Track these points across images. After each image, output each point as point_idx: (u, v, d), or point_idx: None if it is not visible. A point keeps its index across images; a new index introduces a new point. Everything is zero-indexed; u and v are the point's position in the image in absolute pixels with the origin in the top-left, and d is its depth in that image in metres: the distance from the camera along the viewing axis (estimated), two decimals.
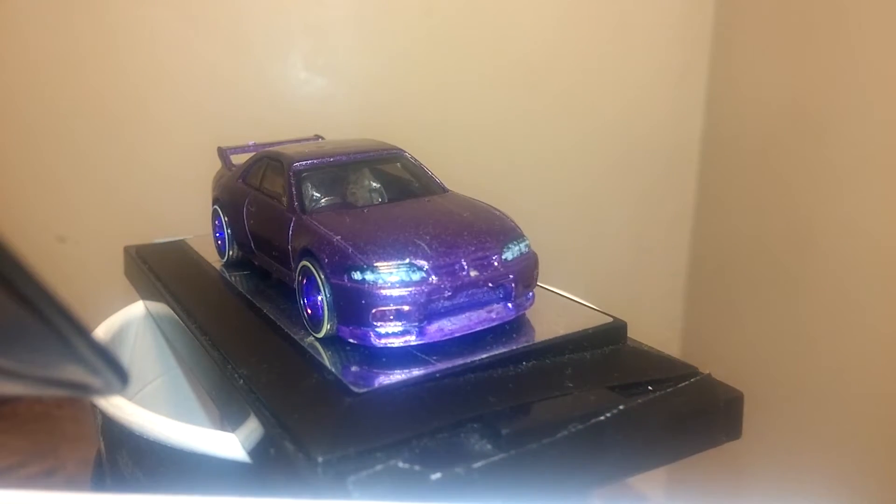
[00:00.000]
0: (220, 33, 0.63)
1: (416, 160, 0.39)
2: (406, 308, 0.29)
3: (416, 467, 0.24)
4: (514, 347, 0.30)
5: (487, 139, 0.70)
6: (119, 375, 0.17)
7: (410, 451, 0.25)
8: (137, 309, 0.45)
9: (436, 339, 0.30)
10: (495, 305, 0.31)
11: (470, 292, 0.30)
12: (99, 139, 0.63)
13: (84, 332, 0.15)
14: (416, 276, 0.29)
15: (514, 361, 0.30)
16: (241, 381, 0.29)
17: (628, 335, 0.34)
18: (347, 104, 0.66)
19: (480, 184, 0.70)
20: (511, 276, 0.31)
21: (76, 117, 0.63)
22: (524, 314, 0.33)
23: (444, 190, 0.38)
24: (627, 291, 0.77)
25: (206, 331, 0.35)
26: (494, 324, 0.31)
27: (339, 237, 0.31)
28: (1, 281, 0.13)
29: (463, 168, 0.69)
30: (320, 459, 0.24)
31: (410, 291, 0.29)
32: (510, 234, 0.33)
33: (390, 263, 0.29)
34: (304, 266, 0.32)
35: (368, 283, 0.29)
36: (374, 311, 0.29)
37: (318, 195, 0.36)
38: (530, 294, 0.33)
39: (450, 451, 0.25)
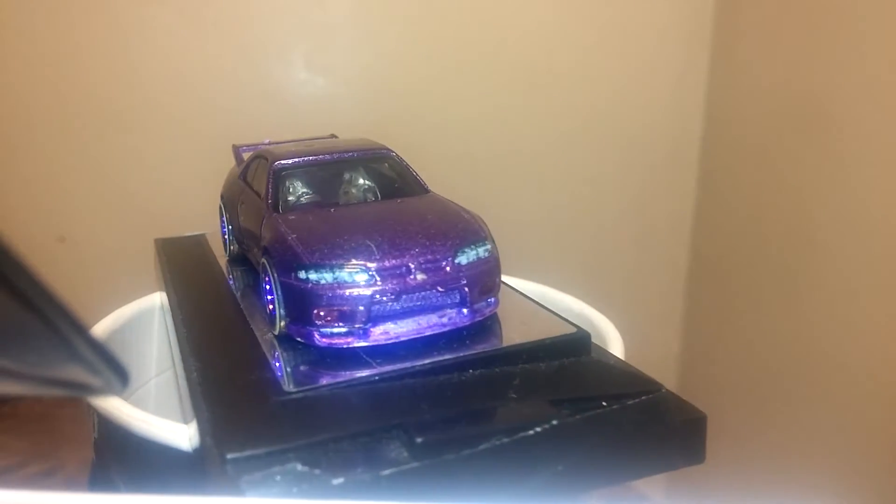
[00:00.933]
0: (221, 33, 0.63)
1: (402, 160, 0.38)
2: (348, 309, 0.29)
3: (317, 471, 0.23)
4: (461, 354, 0.29)
5: (487, 139, 0.70)
6: (119, 375, 0.17)
7: (323, 454, 0.24)
8: (150, 301, 0.45)
9: (381, 342, 0.29)
10: (449, 311, 0.30)
11: (420, 296, 0.30)
12: (99, 139, 0.63)
13: (84, 332, 0.15)
14: (360, 278, 0.29)
15: (460, 368, 0.29)
16: (194, 373, 0.30)
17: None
18: (347, 104, 0.66)
19: (480, 183, 0.71)
20: (464, 281, 0.30)
21: (76, 117, 0.63)
22: (485, 320, 0.32)
23: (425, 191, 0.37)
24: (627, 291, 0.77)
25: (188, 323, 0.35)
26: (446, 329, 0.30)
27: (294, 236, 0.31)
28: (1, 281, 0.13)
29: (463, 168, 0.70)
30: (229, 457, 0.24)
31: (353, 293, 0.29)
32: (468, 238, 0.31)
33: (334, 264, 0.29)
34: (263, 263, 0.32)
35: (312, 283, 0.29)
36: (316, 310, 0.29)
37: (298, 194, 0.36)
38: (491, 300, 0.32)
39: (364, 457, 0.24)
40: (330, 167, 0.37)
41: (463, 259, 0.31)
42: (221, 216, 0.44)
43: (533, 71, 0.69)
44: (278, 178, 0.36)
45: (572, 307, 0.46)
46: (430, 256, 0.30)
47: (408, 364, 0.29)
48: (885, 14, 0.51)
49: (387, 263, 0.29)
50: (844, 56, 0.55)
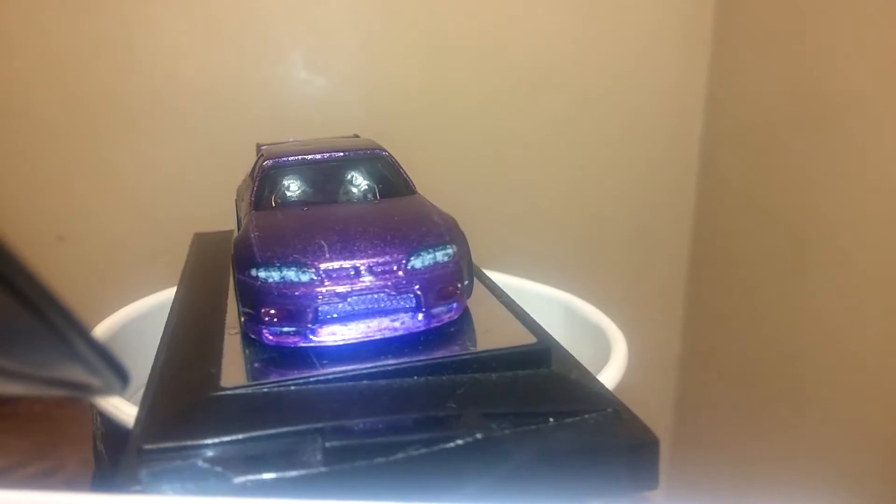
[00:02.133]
0: (221, 33, 0.63)
1: (393, 161, 0.38)
2: (295, 309, 0.29)
3: (218, 468, 0.23)
4: (408, 360, 0.28)
5: (487, 138, 0.70)
6: (119, 375, 0.17)
7: (235, 452, 0.24)
8: (155, 299, 0.46)
9: (328, 344, 0.29)
10: (403, 315, 0.30)
11: (371, 298, 0.29)
12: (99, 139, 0.63)
13: (84, 332, 0.15)
14: (306, 278, 0.29)
15: (405, 374, 0.28)
16: (159, 365, 0.30)
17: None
18: (347, 104, 0.66)
19: (480, 183, 0.71)
20: (417, 286, 0.29)
21: (76, 118, 0.63)
22: (446, 326, 0.31)
23: (411, 192, 0.37)
24: (627, 291, 0.77)
25: (177, 315, 0.36)
26: (397, 333, 0.30)
27: (255, 234, 0.31)
28: (1, 281, 0.13)
29: (463, 167, 0.70)
30: (145, 447, 0.24)
31: (299, 292, 0.29)
32: (427, 241, 0.30)
33: (282, 263, 0.29)
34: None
35: (261, 281, 0.29)
36: (265, 309, 0.29)
37: (284, 192, 0.36)
38: (452, 305, 0.31)
39: (275, 458, 0.24)
40: (320, 166, 0.37)
41: (417, 263, 0.30)
42: (236, 212, 0.45)
43: (533, 70, 0.69)
44: (265, 176, 0.37)
45: (579, 310, 0.45)
46: (382, 259, 0.29)
47: (350, 367, 0.28)
48: (885, 14, 0.51)
49: (335, 264, 0.29)
50: (844, 56, 0.55)
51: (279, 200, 0.36)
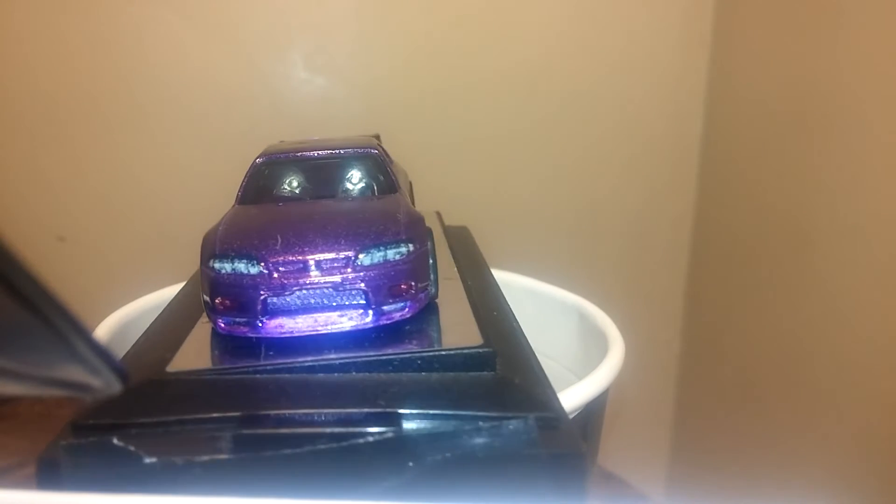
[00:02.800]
0: (220, 33, 0.63)
1: (383, 160, 0.38)
2: (243, 300, 0.30)
3: (131, 447, 0.24)
4: (349, 355, 0.29)
5: (486, 138, 0.70)
6: (119, 375, 0.17)
7: (154, 434, 0.25)
8: (159, 297, 0.46)
9: (275, 335, 0.30)
10: (351, 311, 0.30)
11: (319, 293, 0.30)
12: (99, 139, 0.63)
13: (84, 332, 0.15)
14: (255, 270, 0.30)
15: (342, 369, 0.29)
16: (129, 350, 0.32)
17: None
18: (347, 104, 0.66)
19: (479, 182, 0.71)
20: (364, 282, 0.30)
21: (76, 117, 0.63)
22: (400, 324, 0.31)
23: (393, 191, 0.37)
24: (627, 291, 0.77)
25: (169, 305, 0.37)
26: (344, 329, 0.30)
27: (222, 228, 0.32)
28: (1, 281, 0.13)
29: (462, 166, 0.70)
30: (73, 422, 0.25)
31: (246, 283, 0.30)
32: (380, 238, 0.31)
33: (234, 255, 0.30)
34: None
35: (215, 272, 0.30)
36: (218, 299, 0.30)
37: (269, 188, 0.37)
38: (405, 304, 0.31)
39: (190, 442, 0.25)
40: (309, 164, 0.38)
41: (366, 260, 0.30)
42: None
43: (532, 70, 0.69)
44: (255, 172, 0.38)
45: (579, 307, 0.45)
46: (331, 255, 0.30)
47: (290, 360, 0.29)
48: (885, 14, 0.51)
49: (284, 258, 0.30)
50: (844, 56, 0.55)
51: (262, 196, 0.37)
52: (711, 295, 0.76)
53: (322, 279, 0.30)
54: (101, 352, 0.16)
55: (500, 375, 0.29)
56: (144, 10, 0.61)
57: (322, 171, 0.38)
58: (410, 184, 0.48)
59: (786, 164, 0.62)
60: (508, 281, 0.50)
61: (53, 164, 0.63)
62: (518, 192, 0.72)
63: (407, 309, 0.31)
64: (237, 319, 0.30)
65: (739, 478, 0.69)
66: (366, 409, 0.26)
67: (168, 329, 0.34)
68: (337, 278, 0.30)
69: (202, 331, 0.33)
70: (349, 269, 0.30)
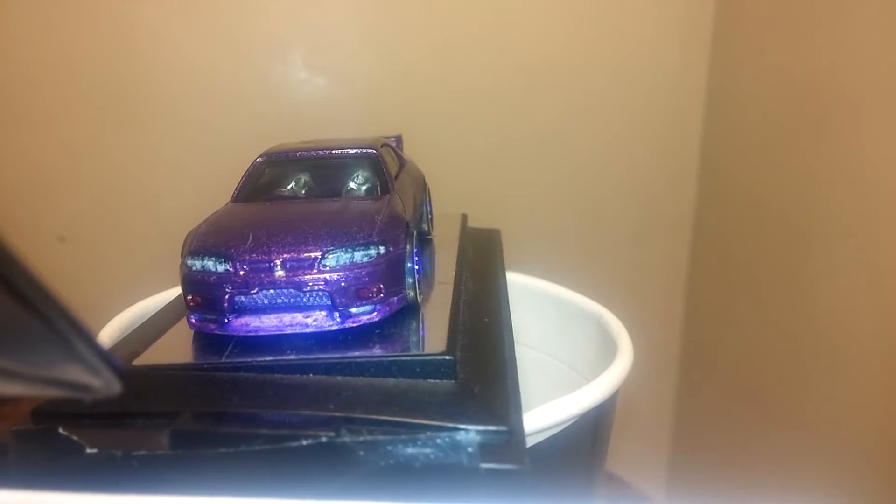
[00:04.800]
0: (220, 33, 0.63)
1: (380, 161, 0.38)
2: (210, 297, 0.30)
3: (75, 437, 0.24)
4: (308, 357, 0.29)
5: (486, 138, 0.70)
6: (119, 375, 0.17)
7: (97, 426, 0.26)
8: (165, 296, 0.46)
9: (241, 333, 0.30)
10: (316, 312, 0.30)
11: (285, 293, 0.30)
12: (99, 139, 0.63)
13: (84, 332, 0.15)
14: (222, 268, 0.30)
15: (301, 370, 0.29)
16: (122, 339, 0.33)
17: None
18: (347, 104, 0.66)
19: (479, 182, 0.71)
20: (327, 284, 0.30)
21: (76, 118, 0.63)
22: (369, 327, 0.31)
23: (386, 192, 0.37)
24: (628, 291, 0.77)
25: (168, 305, 0.38)
26: (309, 330, 0.30)
27: (204, 225, 0.33)
28: (1, 281, 0.13)
29: (462, 166, 0.70)
30: (34, 409, 0.26)
31: (213, 281, 0.30)
32: (347, 240, 0.31)
33: (205, 253, 0.30)
34: None
35: (187, 269, 0.31)
36: (189, 296, 0.31)
37: (264, 187, 0.37)
38: (373, 308, 0.31)
39: (133, 435, 0.25)
40: (308, 164, 0.38)
41: (332, 261, 0.30)
42: None
43: (532, 70, 0.69)
44: (253, 171, 0.38)
45: (598, 315, 0.44)
46: (297, 255, 0.30)
47: (251, 359, 0.29)
48: (885, 14, 0.51)
49: (251, 257, 0.30)
50: (844, 56, 0.55)
51: (257, 195, 0.37)
52: (711, 295, 0.76)
53: (286, 279, 0.30)
54: (101, 352, 0.16)
55: (459, 384, 0.28)
56: (144, 10, 0.61)
57: (319, 172, 0.38)
58: (426, 185, 0.47)
59: (785, 164, 0.62)
60: (532, 286, 0.50)
61: (53, 164, 0.63)
62: (517, 192, 0.72)
63: (375, 313, 0.31)
64: (207, 316, 0.31)
65: (739, 478, 0.69)
66: (307, 412, 0.26)
67: (152, 325, 0.35)
68: (301, 279, 0.30)
69: (182, 328, 0.33)
70: (314, 270, 0.30)
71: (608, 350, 0.40)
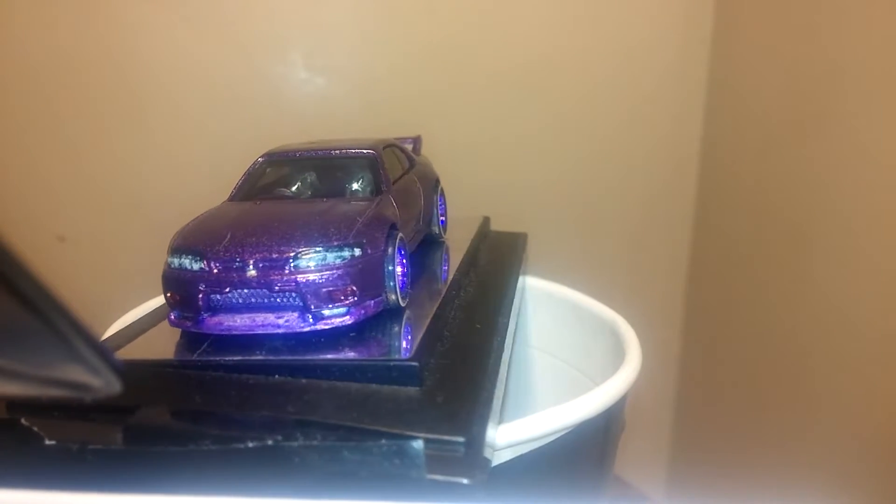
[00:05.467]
0: (220, 33, 0.63)
1: (378, 163, 0.38)
2: (186, 295, 0.30)
3: (35, 428, 0.25)
4: (273, 358, 0.29)
5: (486, 138, 0.70)
6: (119, 375, 0.17)
7: (56, 418, 0.26)
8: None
9: (215, 332, 0.30)
10: (288, 313, 0.30)
11: (258, 293, 0.30)
12: (99, 139, 0.63)
13: (84, 332, 0.15)
14: (196, 267, 0.30)
15: (267, 372, 0.28)
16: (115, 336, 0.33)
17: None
18: (347, 104, 0.66)
19: (478, 182, 0.71)
20: (297, 285, 0.29)
21: (76, 117, 0.63)
22: (342, 329, 0.31)
23: (380, 193, 0.37)
24: (628, 291, 0.77)
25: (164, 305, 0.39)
26: (280, 330, 0.30)
27: (191, 224, 0.33)
28: (1, 281, 0.13)
29: (461, 166, 0.70)
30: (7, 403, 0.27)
31: (187, 279, 0.30)
32: (321, 241, 0.30)
33: (183, 251, 0.31)
34: None
35: (167, 266, 0.31)
36: (168, 293, 0.31)
37: (261, 186, 0.38)
38: (347, 310, 0.30)
39: (90, 429, 0.26)
40: (308, 164, 0.38)
41: (303, 262, 0.30)
42: None
43: (533, 70, 0.69)
44: (253, 171, 0.38)
45: (613, 323, 0.44)
46: (269, 255, 0.30)
47: (219, 357, 0.29)
48: (884, 14, 0.51)
49: (224, 256, 0.30)
50: (844, 58, 0.55)
51: (253, 194, 0.37)
52: (711, 295, 0.76)
53: (256, 279, 0.30)
54: (101, 352, 0.16)
55: (424, 391, 0.27)
56: (145, 10, 0.61)
57: (318, 172, 0.38)
58: (439, 187, 0.47)
59: (786, 163, 0.62)
60: (556, 292, 0.50)
61: (53, 164, 0.63)
62: (516, 193, 0.72)
63: (349, 316, 0.30)
64: (184, 314, 0.31)
65: (739, 478, 0.69)
66: (265, 414, 0.26)
67: (141, 323, 0.35)
68: (271, 279, 0.30)
69: (166, 325, 0.33)
70: (285, 271, 0.30)
71: (619, 357, 0.40)
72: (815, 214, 0.59)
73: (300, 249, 0.30)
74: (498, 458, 0.30)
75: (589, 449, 0.34)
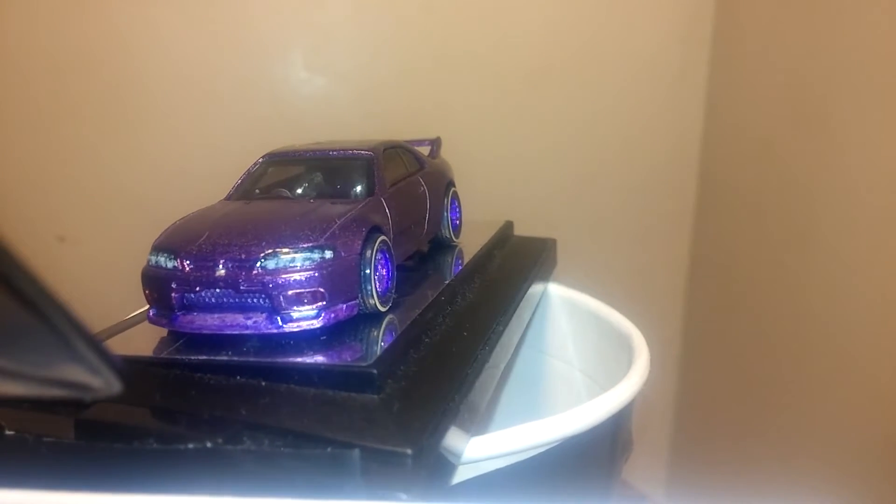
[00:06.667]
0: (220, 33, 0.63)
1: (375, 164, 0.38)
2: (159, 293, 0.31)
3: (3, 421, 0.26)
4: (237, 359, 0.29)
5: (486, 138, 0.70)
6: (119, 375, 0.17)
7: (19, 410, 0.27)
8: None
9: (187, 330, 0.30)
10: (256, 314, 0.30)
11: (228, 293, 0.30)
12: (99, 139, 0.63)
13: (84, 332, 0.15)
14: (170, 265, 0.31)
15: (229, 372, 0.28)
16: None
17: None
18: (347, 104, 0.66)
19: (478, 182, 0.71)
20: (264, 286, 0.29)
21: (76, 117, 0.63)
22: (313, 332, 0.30)
23: (370, 194, 0.37)
24: (627, 291, 0.77)
25: None
26: (248, 332, 0.30)
27: (178, 222, 0.33)
28: (1, 281, 0.13)
29: (461, 166, 0.70)
30: None
31: (161, 277, 0.31)
32: (291, 242, 0.30)
33: (159, 249, 0.31)
34: None
35: (146, 263, 0.32)
36: (146, 291, 0.32)
37: (258, 186, 0.38)
38: (317, 313, 0.30)
39: (48, 422, 0.26)
40: (307, 164, 0.39)
41: (271, 263, 0.30)
42: None
43: (533, 70, 0.69)
44: (254, 170, 0.39)
45: (628, 334, 0.44)
46: (239, 255, 0.30)
47: (182, 356, 0.29)
48: (884, 13, 0.51)
49: (196, 255, 0.30)
50: (844, 56, 0.55)
51: (247, 193, 0.37)
52: (711, 295, 0.76)
53: (224, 278, 0.30)
54: (101, 352, 0.16)
55: (382, 399, 0.26)
56: (145, 9, 0.61)
57: (316, 173, 0.38)
58: (452, 190, 0.47)
59: (785, 163, 0.62)
60: (574, 300, 0.49)
61: (53, 164, 0.63)
62: (517, 191, 0.72)
63: (319, 319, 0.30)
64: (160, 312, 0.31)
65: (739, 478, 0.69)
66: (217, 414, 0.26)
67: (130, 321, 0.36)
68: (239, 279, 0.29)
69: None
70: (254, 272, 0.29)
71: (628, 362, 0.40)
72: (815, 214, 0.59)
73: (269, 250, 0.30)
74: (498, 464, 0.29)
75: (595, 456, 0.34)
